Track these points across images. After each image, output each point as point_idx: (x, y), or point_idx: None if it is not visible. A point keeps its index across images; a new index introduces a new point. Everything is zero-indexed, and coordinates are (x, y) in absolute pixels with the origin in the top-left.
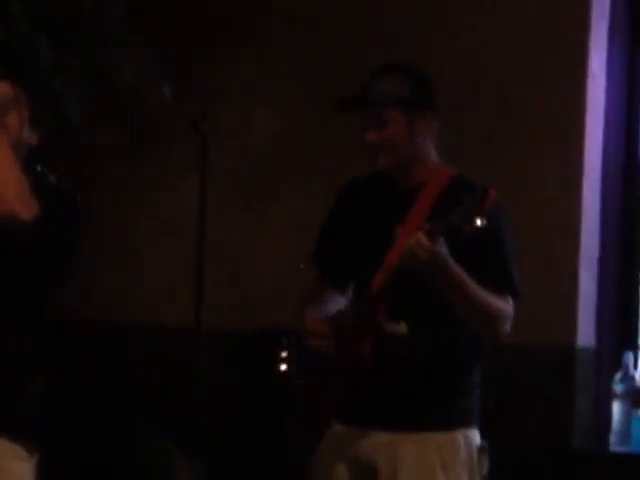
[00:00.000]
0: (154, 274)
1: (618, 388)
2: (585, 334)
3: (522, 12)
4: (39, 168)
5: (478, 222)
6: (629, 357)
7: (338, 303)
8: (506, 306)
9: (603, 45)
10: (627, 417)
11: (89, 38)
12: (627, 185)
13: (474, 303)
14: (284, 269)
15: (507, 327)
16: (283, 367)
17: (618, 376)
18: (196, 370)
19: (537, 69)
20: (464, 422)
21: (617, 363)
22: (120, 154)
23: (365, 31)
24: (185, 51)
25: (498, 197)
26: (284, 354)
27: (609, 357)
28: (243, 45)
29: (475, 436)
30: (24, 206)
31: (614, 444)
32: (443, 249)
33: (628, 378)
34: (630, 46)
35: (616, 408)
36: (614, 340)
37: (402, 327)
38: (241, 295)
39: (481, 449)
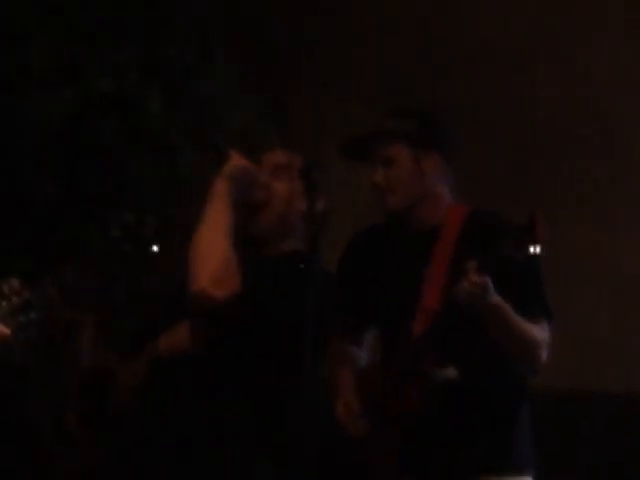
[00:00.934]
0: None
1: None
2: None
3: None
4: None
5: (532, 250)
6: None
7: (362, 359)
8: (544, 332)
9: None
10: None
11: (201, 87)
12: None
13: (517, 333)
14: None
15: (545, 354)
16: None
17: None
18: None
19: None
20: (518, 468)
21: None
22: None
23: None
24: (292, 98)
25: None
26: None
27: None
28: (349, 93)
29: None
30: (217, 285)
31: None
32: (491, 284)
33: None
34: None
35: None
36: None
37: (451, 372)
38: None
39: None
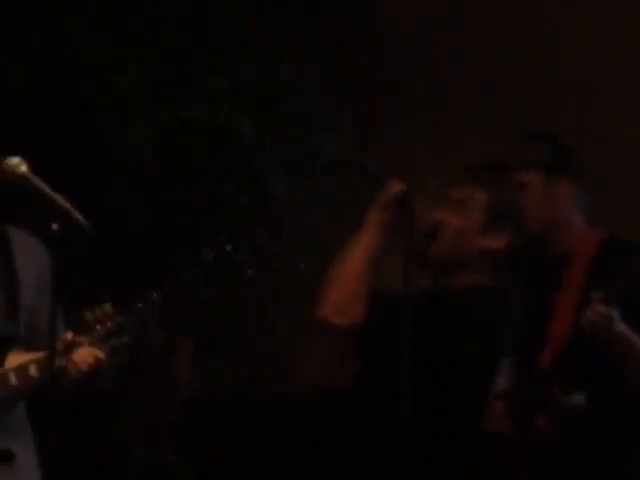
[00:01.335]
0: None
1: None
2: None
3: None
4: None
5: None
6: None
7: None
8: None
9: None
10: None
11: (295, 114)
12: None
13: None
14: None
15: None
16: None
17: None
18: None
19: None
20: None
21: None
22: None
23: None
24: (384, 128)
25: None
26: None
27: None
28: (434, 126)
29: None
30: (339, 312)
31: None
32: (616, 314)
33: None
34: None
35: None
36: None
37: (580, 398)
38: None
39: None
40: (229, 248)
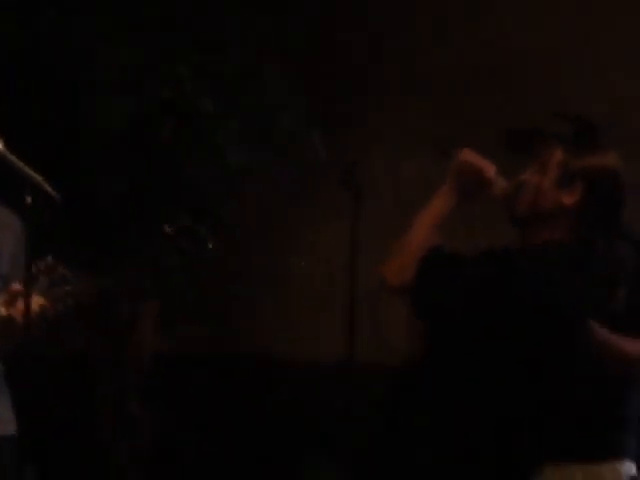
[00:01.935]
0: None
1: None
2: None
3: None
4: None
5: None
6: None
7: None
8: None
9: None
10: None
11: (250, 90)
12: None
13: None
14: None
15: None
16: None
17: None
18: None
19: None
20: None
21: None
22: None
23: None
24: (336, 101)
25: None
26: None
27: None
28: (391, 96)
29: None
30: (396, 274)
31: None
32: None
33: None
34: None
35: None
36: None
37: None
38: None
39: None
40: (189, 222)
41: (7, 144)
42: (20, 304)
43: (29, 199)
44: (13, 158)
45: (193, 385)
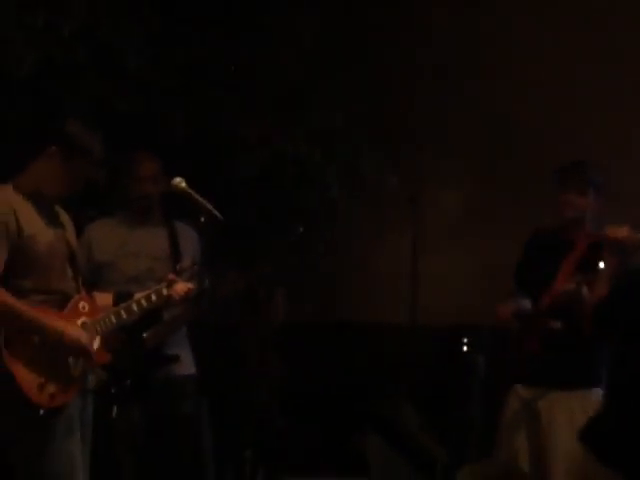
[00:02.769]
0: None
1: None
2: None
3: None
4: None
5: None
6: None
7: (525, 302)
8: None
9: None
10: None
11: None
12: None
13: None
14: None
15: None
16: (465, 349)
17: None
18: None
19: None
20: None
21: None
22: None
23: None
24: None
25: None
26: (466, 340)
27: None
28: (441, 142)
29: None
30: None
31: None
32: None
33: None
34: None
35: None
36: None
37: (558, 324)
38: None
39: None
40: (305, 234)
41: (188, 184)
42: (175, 287)
43: (202, 219)
44: (192, 192)
45: (308, 344)
